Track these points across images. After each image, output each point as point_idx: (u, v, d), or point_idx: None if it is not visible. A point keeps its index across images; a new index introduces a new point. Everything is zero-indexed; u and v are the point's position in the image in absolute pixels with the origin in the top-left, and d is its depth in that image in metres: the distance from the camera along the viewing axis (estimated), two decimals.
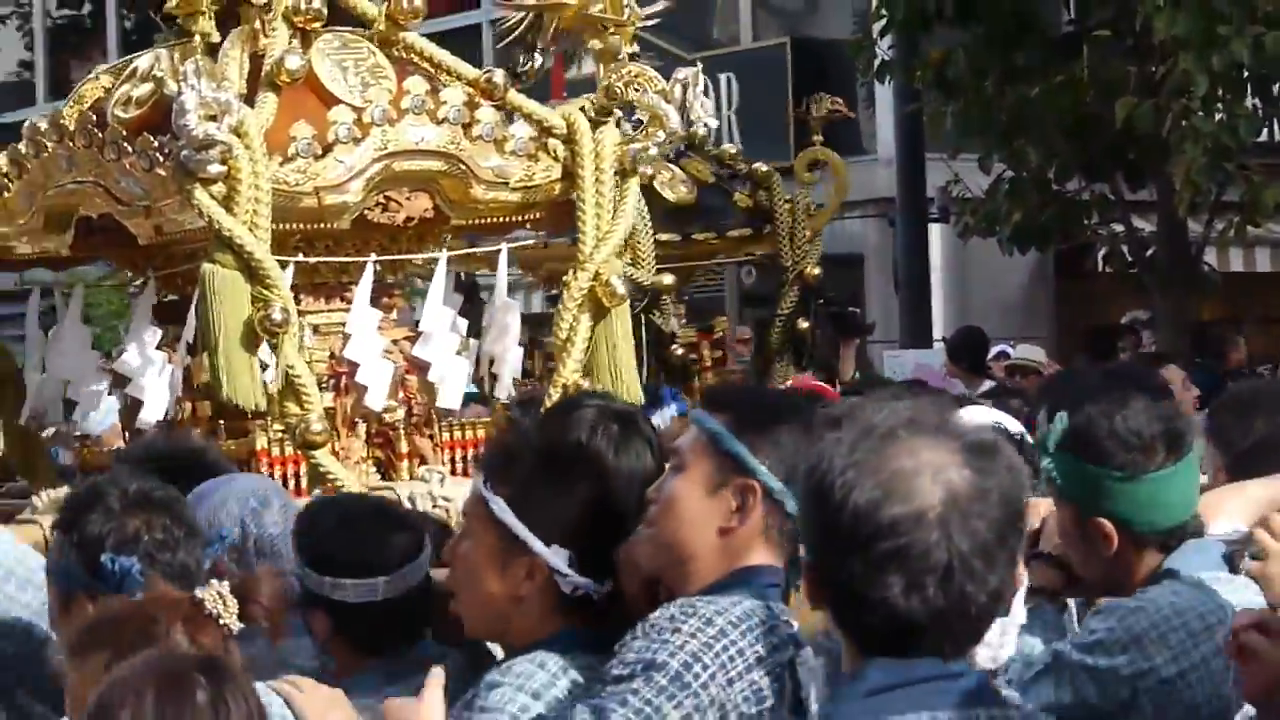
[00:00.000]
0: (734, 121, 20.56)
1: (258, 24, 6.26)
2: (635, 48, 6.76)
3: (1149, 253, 16.81)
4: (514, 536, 4.49)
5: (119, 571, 4.62)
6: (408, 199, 6.28)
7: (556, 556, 4.49)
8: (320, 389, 6.12)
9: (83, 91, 6.55)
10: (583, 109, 6.57)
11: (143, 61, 6.29)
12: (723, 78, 20.57)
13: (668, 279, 10.10)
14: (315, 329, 6.28)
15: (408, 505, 5.73)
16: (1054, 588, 5.25)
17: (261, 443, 5.98)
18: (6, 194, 6.43)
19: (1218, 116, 15.75)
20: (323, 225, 6.17)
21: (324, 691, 4.43)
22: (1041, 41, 16.88)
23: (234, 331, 5.88)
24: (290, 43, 6.22)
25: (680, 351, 10.39)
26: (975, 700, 3.29)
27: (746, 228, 10.52)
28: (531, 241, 7.13)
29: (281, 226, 6.05)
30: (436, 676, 4.12)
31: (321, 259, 6.26)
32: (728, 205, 10.47)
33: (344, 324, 6.24)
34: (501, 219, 6.56)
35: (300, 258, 6.18)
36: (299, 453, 5.93)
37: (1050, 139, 16.34)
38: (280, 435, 5.95)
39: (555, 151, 6.43)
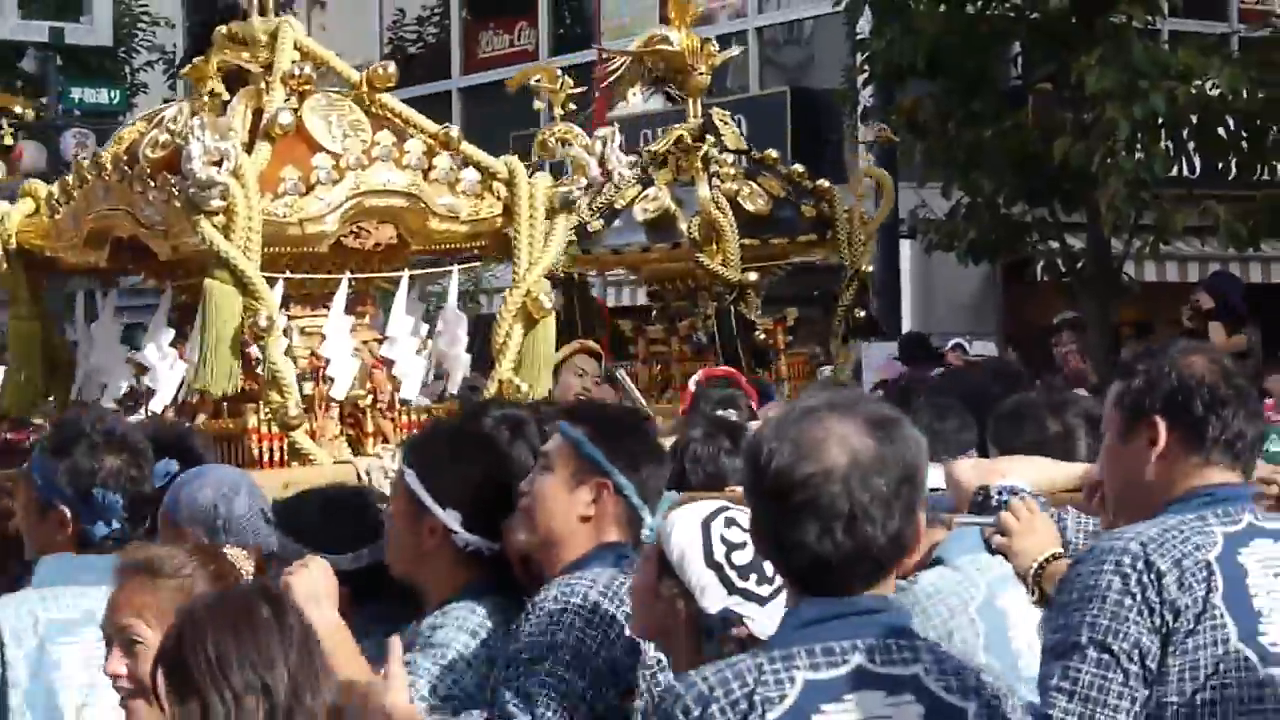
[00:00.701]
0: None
1: (262, 85, 6.21)
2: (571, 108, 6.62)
3: (1079, 265, 16.56)
4: (420, 500, 4.54)
5: (107, 504, 4.73)
6: (376, 228, 6.24)
7: (450, 517, 4.53)
8: (304, 379, 6.08)
9: (123, 134, 6.51)
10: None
11: (169, 112, 6.25)
12: (734, 119, 20.15)
13: (751, 276, 10.03)
14: (302, 330, 6.20)
15: (364, 476, 5.74)
16: None
17: (253, 422, 5.92)
18: (58, 215, 6.40)
19: (1137, 155, 15.56)
20: (306, 249, 6.11)
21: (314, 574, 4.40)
22: (994, 93, 16.73)
23: (226, 334, 5.84)
24: (286, 101, 6.14)
25: (762, 337, 10.18)
26: (892, 633, 3.29)
27: (813, 234, 10.39)
28: (477, 264, 7.04)
29: (273, 249, 5.99)
30: (395, 650, 4.00)
31: (306, 275, 6.20)
32: (796, 216, 10.33)
33: (323, 327, 6.19)
34: (453, 245, 6.49)
35: (288, 274, 6.11)
36: (280, 431, 5.92)
37: (1000, 172, 16.13)
38: (267, 417, 5.93)
39: (498, 192, 6.33)
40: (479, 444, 4.82)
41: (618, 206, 10.23)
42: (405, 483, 4.61)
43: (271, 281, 5.96)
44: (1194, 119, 15.89)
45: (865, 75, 17.06)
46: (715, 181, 10.07)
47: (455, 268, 6.54)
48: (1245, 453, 3.92)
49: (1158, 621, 3.69)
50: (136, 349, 6.47)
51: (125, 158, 6.15)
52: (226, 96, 6.24)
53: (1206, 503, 3.84)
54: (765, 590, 3.90)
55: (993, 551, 4.71)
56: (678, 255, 10.14)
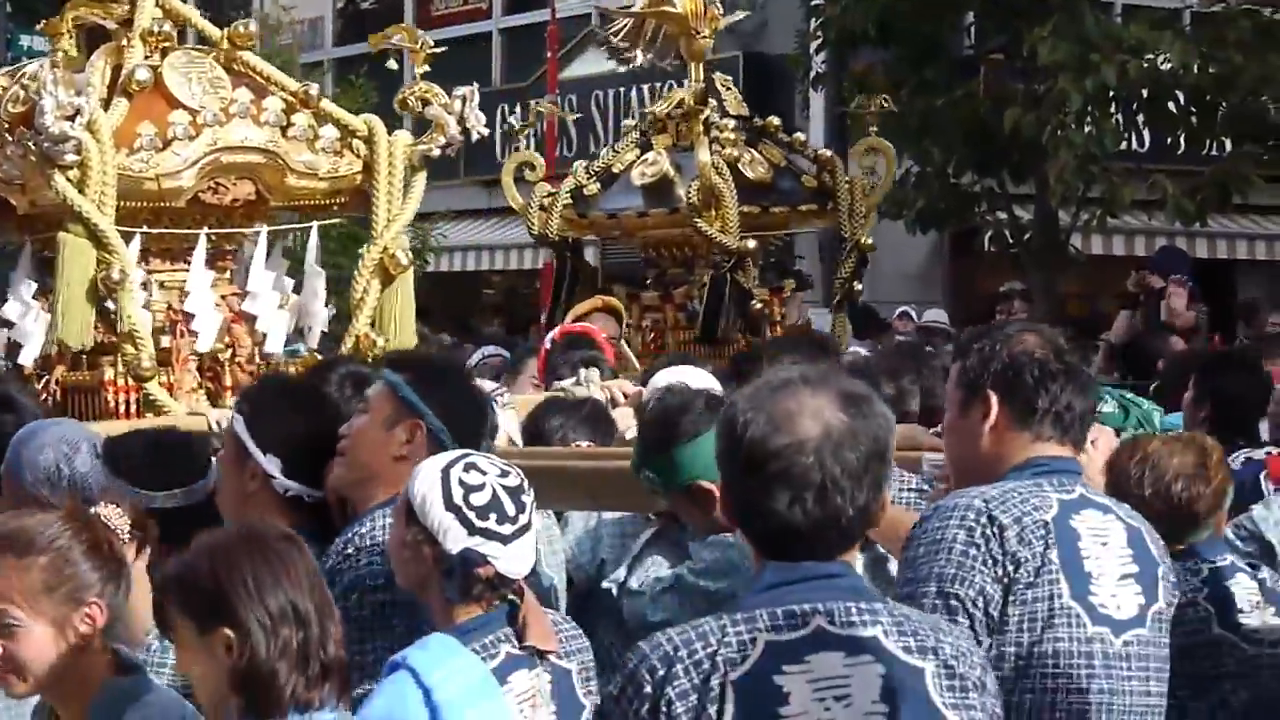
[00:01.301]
0: None
1: (124, 41, 6.26)
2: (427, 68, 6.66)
3: (1026, 236, 16.65)
4: (244, 445, 4.71)
5: None
6: (234, 184, 6.28)
7: (270, 463, 4.68)
8: (163, 333, 6.15)
9: None
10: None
11: (30, 68, 6.22)
12: (686, 83, 20.14)
13: (750, 244, 9.79)
14: (161, 285, 6.26)
15: (215, 427, 5.83)
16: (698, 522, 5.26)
17: (109, 375, 6.00)
18: None
19: (1087, 128, 15.67)
20: (164, 204, 6.17)
21: None
22: (946, 62, 16.80)
23: (79, 287, 5.90)
24: (146, 58, 6.20)
25: (759, 307, 9.91)
26: (854, 596, 3.35)
27: (813, 204, 10.09)
28: (339, 220, 7.09)
29: (130, 204, 6.05)
30: None
31: (165, 230, 6.26)
32: (797, 184, 10.03)
33: (184, 282, 6.25)
34: (314, 202, 6.53)
35: (145, 229, 6.17)
36: (134, 384, 5.99)
37: (950, 141, 16.22)
38: (123, 370, 6.01)
39: (358, 150, 6.41)
40: (306, 395, 4.96)
41: (615, 170, 10.07)
42: (232, 428, 4.77)
43: (129, 236, 6.02)
44: (1145, 93, 15.98)
45: (818, 41, 17.10)
46: (715, 147, 9.76)
47: (315, 224, 6.58)
48: (1074, 426, 4.09)
49: (1000, 572, 3.88)
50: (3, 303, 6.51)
51: None
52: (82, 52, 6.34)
53: (1040, 471, 4.02)
54: (507, 529, 4.01)
55: None
56: (676, 221, 9.91)
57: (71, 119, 5.81)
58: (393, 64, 6.92)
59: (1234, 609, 5.08)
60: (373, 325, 6.45)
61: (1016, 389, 4.05)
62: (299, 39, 22.55)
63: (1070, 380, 4.10)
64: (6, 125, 6.03)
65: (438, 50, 6.65)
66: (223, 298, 6.34)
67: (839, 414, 3.31)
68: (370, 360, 6.22)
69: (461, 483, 4.09)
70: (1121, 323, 14.64)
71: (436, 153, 6.51)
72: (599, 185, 10.05)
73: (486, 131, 6.73)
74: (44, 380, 6.23)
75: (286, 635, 3.50)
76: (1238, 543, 5.72)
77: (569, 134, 21.04)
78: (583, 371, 6.89)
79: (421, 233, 20.51)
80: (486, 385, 6.25)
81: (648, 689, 3.28)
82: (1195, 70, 15.72)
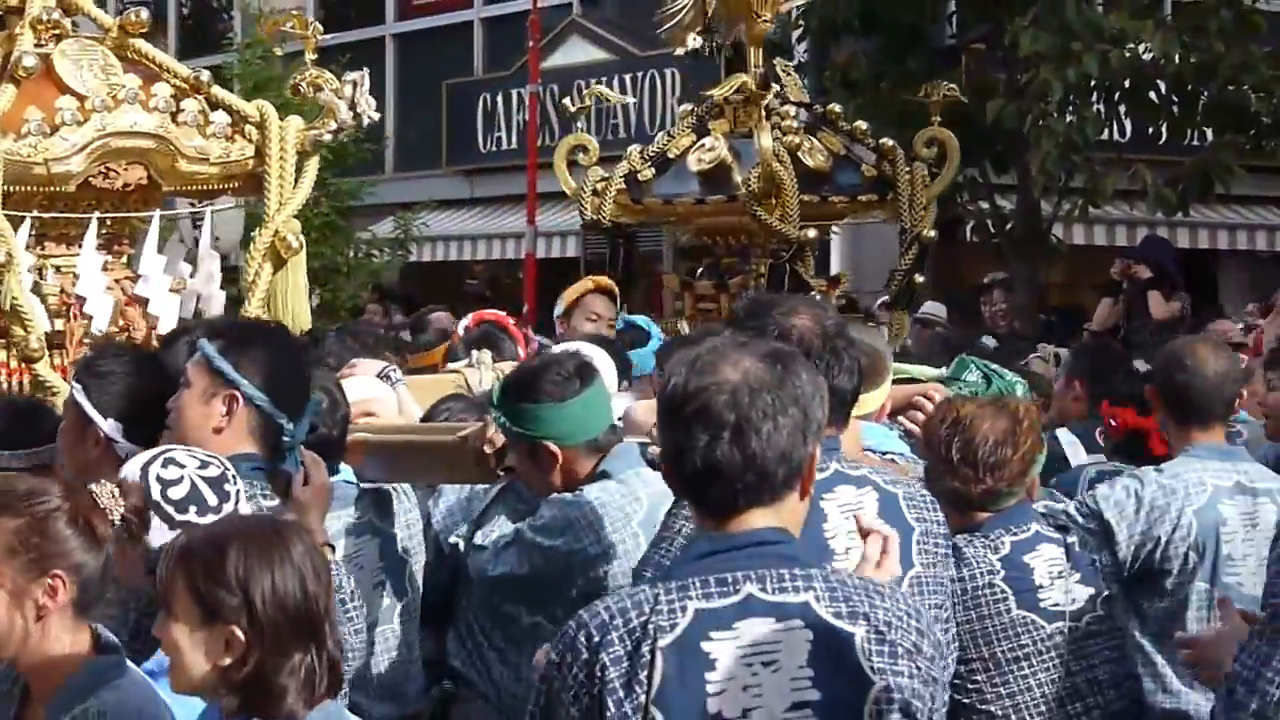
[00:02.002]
0: (677, 110, 19.94)
1: (18, 29, 6.37)
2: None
3: (1008, 226, 16.64)
4: (85, 410, 4.88)
5: None
6: (125, 169, 6.39)
7: (111, 427, 4.86)
8: (57, 315, 6.29)
9: None
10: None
11: None
12: (668, 72, 20.21)
13: (811, 232, 9.54)
14: (57, 269, 6.41)
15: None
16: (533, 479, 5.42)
17: (1, 356, 6.17)
18: None
19: (1069, 118, 15.60)
20: (55, 188, 6.27)
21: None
22: (928, 52, 16.75)
23: None
24: (37, 46, 6.32)
25: (817, 297, 9.21)
26: (785, 562, 3.45)
27: (873, 193, 9.88)
28: (230, 205, 7.18)
29: (21, 188, 6.17)
30: None
31: (56, 215, 6.38)
32: (857, 174, 9.78)
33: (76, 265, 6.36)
34: (207, 186, 6.64)
35: (36, 213, 6.30)
36: (24, 365, 6.11)
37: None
38: (13, 352, 6.14)
39: (250, 135, 6.52)
40: (142, 361, 5.10)
41: (670, 156, 9.85)
42: (72, 395, 4.94)
43: (19, 220, 6.15)
44: (1126, 83, 15.94)
45: (800, 30, 17.08)
46: (776, 134, 9.51)
47: (209, 208, 6.73)
48: (838, 408, 4.15)
49: None
50: None
51: None
52: None
53: None
54: (209, 519, 4.11)
55: (654, 466, 5.05)
56: (734, 208, 9.66)
57: None
58: (278, 50, 6.98)
59: (1032, 585, 5.12)
60: (265, 308, 6.53)
61: None
62: (279, 28, 22.80)
63: (837, 363, 4.23)
64: None
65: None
66: (116, 281, 6.44)
67: (758, 364, 3.46)
68: None
69: (159, 478, 4.20)
70: (1103, 310, 14.71)
71: (327, 137, 6.63)
72: (653, 171, 9.81)
73: (377, 117, 6.82)
74: None
75: (297, 652, 3.51)
76: (1079, 518, 5.82)
77: (588, 119, 21.14)
78: (475, 354, 7.02)
79: (404, 222, 20.73)
80: (376, 364, 6.43)
81: (585, 655, 3.41)
82: (1176, 60, 15.66)
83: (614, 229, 9.95)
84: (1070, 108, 15.75)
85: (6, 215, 6.11)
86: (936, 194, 10.00)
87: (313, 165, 6.63)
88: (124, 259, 6.60)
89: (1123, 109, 16.52)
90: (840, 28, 16.53)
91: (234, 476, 4.30)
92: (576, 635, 3.45)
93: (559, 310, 9.16)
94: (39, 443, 5.15)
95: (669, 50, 20.29)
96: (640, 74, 20.14)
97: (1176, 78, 15.90)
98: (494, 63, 22.29)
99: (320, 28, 6.69)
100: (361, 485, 5.59)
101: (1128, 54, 15.57)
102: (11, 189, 6.11)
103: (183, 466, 4.18)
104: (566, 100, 10.38)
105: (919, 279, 10.12)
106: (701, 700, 3.37)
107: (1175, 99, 16.19)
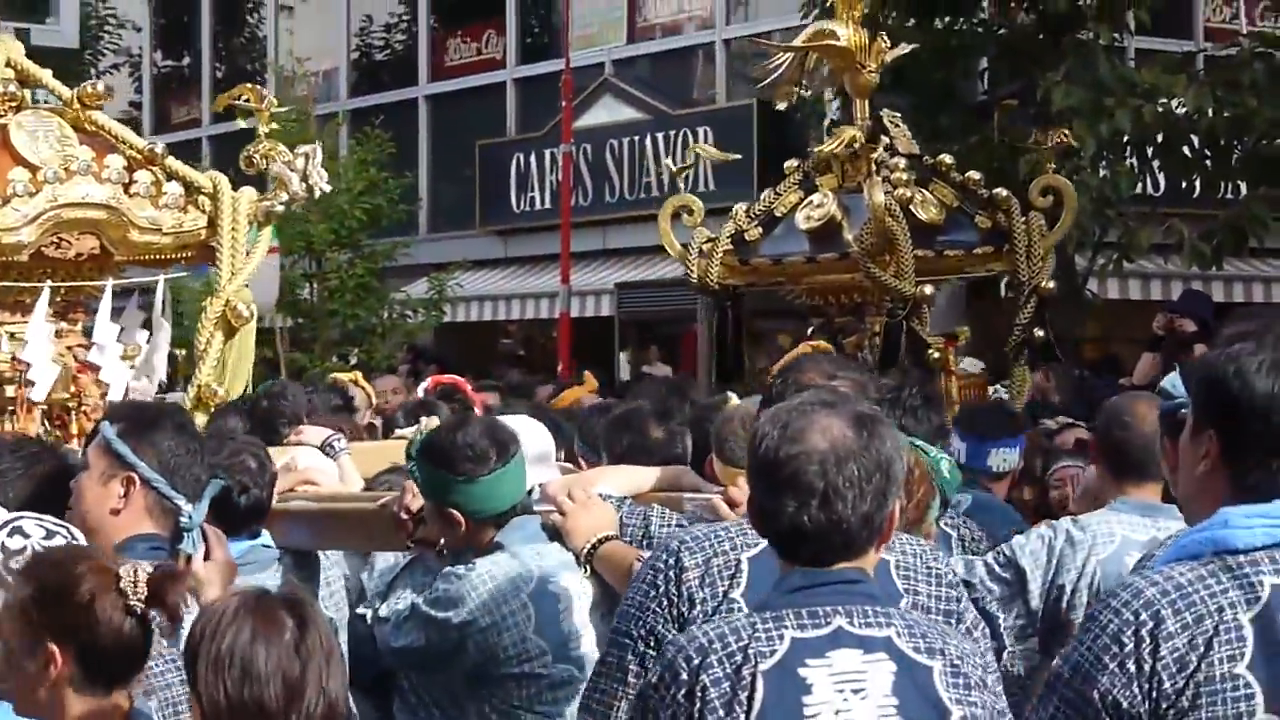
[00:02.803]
0: (710, 167, 19.41)
1: None
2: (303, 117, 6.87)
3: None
4: None
5: None
6: (78, 239, 6.54)
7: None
8: (7, 382, 6.39)
9: None
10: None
11: None
12: (701, 130, 20.20)
13: (928, 289, 9.52)
14: (11, 336, 6.53)
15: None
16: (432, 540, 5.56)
17: None
18: None
19: (1102, 173, 15.72)
20: (6, 258, 6.42)
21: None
22: (961, 109, 16.88)
23: None
24: None
25: (935, 355, 9.74)
26: (869, 600, 3.71)
27: (988, 245, 9.96)
28: (185, 274, 7.28)
29: None
30: None
31: (9, 284, 6.53)
32: (971, 225, 9.91)
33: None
34: (161, 255, 6.76)
35: None
36: None
37: None
38: None
39: (203, 205, 6.65)
40: (38, 448, 5.21)
41: (777, 214, 9.90)
42: None
43: None
44: (1159, 137, 15.98)
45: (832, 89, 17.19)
46: (887, 187, 9.50)
47: (162, 277, 6.80)
48: None
49: (675, 612, 4.21)
50: None
51: None
52: None
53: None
54: None
55: (551, 536, 5.17)
56: (846, 266, 9.64)
57: None
58: (242, 123, 7.13)
59: None
60: (214, 376, 6.66)
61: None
62: (314, 90, 22.90)
63: None
64: None
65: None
66: (69, 349, 6.56)
67: (846, 431, 3.68)
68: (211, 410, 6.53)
69: (4, 546, 4.26)
70: (1144, 365, 14.63)
71: (280, 208, 6.74)
72: (760, 230, 9.85)
73: (329, 188, 6.96)
74: None
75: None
76: (996, 568, 5.91)
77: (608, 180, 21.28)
78: (423, 420, 7.12)
79: (438, 283, 20.85)
80: (322, 433, 6.56)
81: (684, 676, 3.63)
82: (1209, 114, 15.72)
83: (723, 290, 9.98)
84: (1104, 163, 15.78)
85: None
86: (1054, 243, 10.02)
87: (266, 235, 6.80)
88: (79, 326, 6.73)
89: (1156, 163, 16.51)
90: (873, 86, 16.54)
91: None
92: (675, 658, 3.66)
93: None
94: None
95: (699, 108, 20.61)
96: (674, 132, 20.24)
97: (1209, 132, 15.92)
98: (527, 123, 22.57)
99: (275, 101, 6.86)
100: (280, 547, 5.70)
101: (1160, 108, 15.63)
102: None
103: (28, 536, 4.26)
104: (669, 161, 10.29)
105: (1039, 333, 10.02)
106: None
107: (1208, 153, 16.21)
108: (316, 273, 19.77)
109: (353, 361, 17.99)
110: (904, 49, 10.91)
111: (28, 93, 6.71)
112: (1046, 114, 15.74)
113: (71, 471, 4.92)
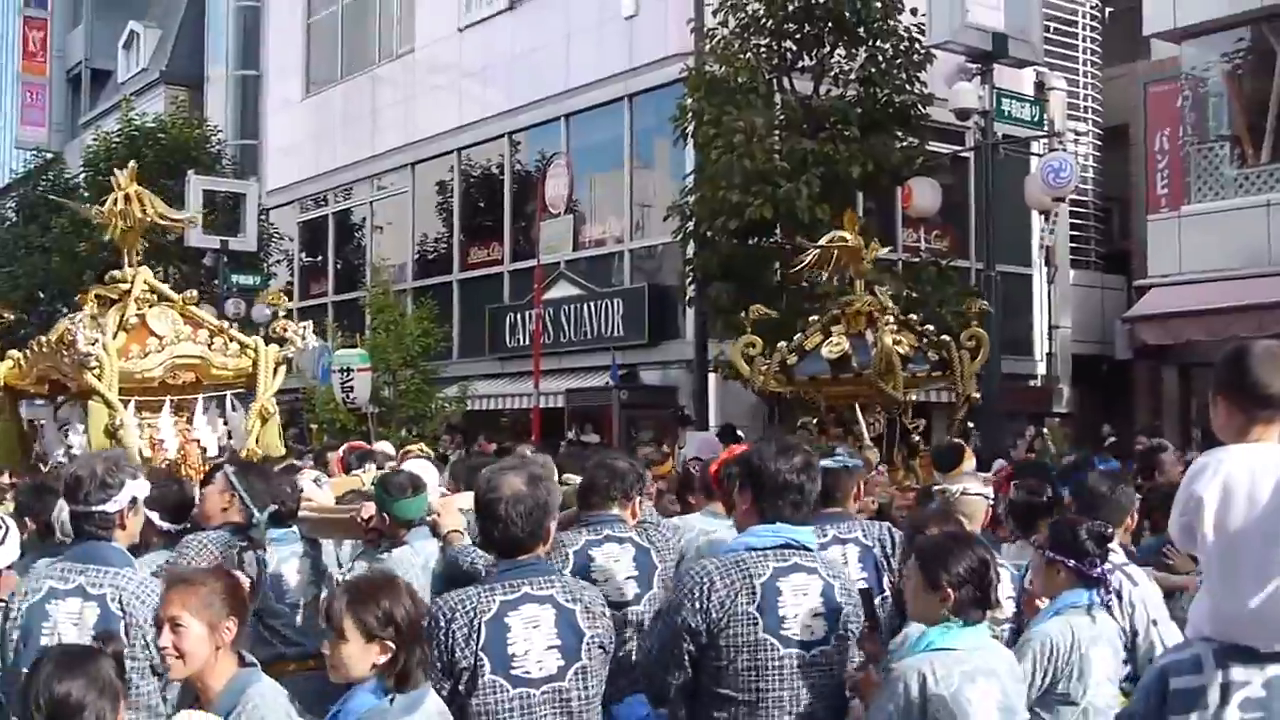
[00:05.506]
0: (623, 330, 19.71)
1: (131, 305, 6.86)
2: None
3: None
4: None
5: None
6: (184, 374, 6.86)
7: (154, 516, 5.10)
8: (143, 454, 6.48)
9: (58, 325, 6.86)
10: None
11: (77, 317, 6.84)
12: (615, 301, 19.92)
13: (911, 396, 9.40)
14: (149, 425, 6.76)
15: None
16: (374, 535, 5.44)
17: None
18: (24, 366, 6.93)
19: None
20: (147, 384, 6.73)
21: None
22: (764, 290, 15.72)
23: (99, 429, 6.39)
24: (137, 312, 6.79)
25: (916, 440, 9.49)
26: (541, 573, 3.74)
27: (937, 370, 9.63)
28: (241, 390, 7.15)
29: (128, 384, 6.58)
30: None
31: (146, 398, 6.73)
32: (925, 359, 9.59)
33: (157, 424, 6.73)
34: (227, 382, 7.02)
35: (136, 397, 6.60)
36: None
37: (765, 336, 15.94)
38: None
39: (250, 355, 6.97)
40: (177, 483, 5.53)
41: (806, 348, 9.64)
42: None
43: (126, 400, 6.63)
44: None
45: (690, 278, 17.13)
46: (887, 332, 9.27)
47: (229, 394, 7.14)
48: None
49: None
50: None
51: (54, 340, 6.89)
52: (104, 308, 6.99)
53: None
54: None
55: (435, 536, 5.04)
56: (859, 382, 9.36)
57: (94, 345, 6.52)
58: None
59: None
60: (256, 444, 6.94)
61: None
62: (392, 275, 23.03)
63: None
64: (63, 347, 6.67)
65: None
66: (181, 431, 6.88)
67: (521, 484, 3.74)
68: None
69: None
70: None
71: (291, 357, 7.07)
72: (796, 358, 9.63)
73: (316, 345, 7.53)
74: None
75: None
76: None
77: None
78: (365, 465, 7.71)
79: (464, 388, 20.85)
80: (310, 473, 6.85)
81: (442, 623, 3.61)
82: (901, 296, 15.27)
83: (773, 396, 9.91)
84: None
85: (120, 398, 6.57)
86: (976, 369, 9.62)
87: (282, 372, 7.02)
88: (186, 417, 6.98)
89: None
90: (713, 276, 16.43)
91: (6, 527, 4.55)
92: (438, 613, 3.63)
93: None
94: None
95: (613, 289, 20.46)
96: (599, 303, 20.25)
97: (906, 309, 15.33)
98: (516, 295, 22.25)
99: (287, 299, 7.33)
100: (301, 533, 5.90)
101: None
102: (122, 385, 6.62)
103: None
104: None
105: (970, 425, 9.76)
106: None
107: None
108: (392, 381, 19.69)
109: (415, 433, 17.83)
110: (878, 249, 10.34)
111: (154, 295, 7.03)
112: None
113: (190, 493, 5.41)
